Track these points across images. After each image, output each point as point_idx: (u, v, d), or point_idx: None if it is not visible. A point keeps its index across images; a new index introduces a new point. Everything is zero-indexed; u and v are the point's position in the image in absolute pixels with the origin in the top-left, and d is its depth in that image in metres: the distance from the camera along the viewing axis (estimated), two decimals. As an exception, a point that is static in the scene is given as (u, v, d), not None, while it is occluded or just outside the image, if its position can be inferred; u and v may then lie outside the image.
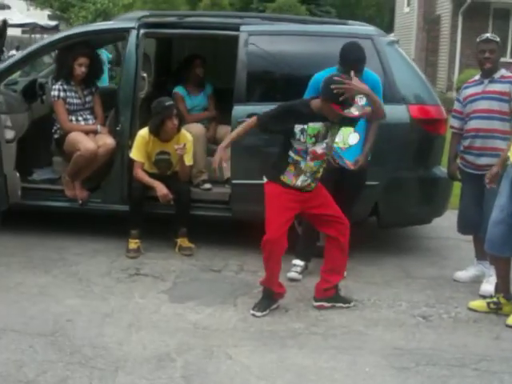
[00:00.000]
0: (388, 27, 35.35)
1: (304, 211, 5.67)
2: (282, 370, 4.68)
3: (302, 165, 5.43)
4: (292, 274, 6.40)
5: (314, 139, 5.37)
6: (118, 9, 26.65)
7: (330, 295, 5.82)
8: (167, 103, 6.81)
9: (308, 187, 5.55)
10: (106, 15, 25.57)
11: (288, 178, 5.49)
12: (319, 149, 5.40)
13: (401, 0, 31.95)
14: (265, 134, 5.88)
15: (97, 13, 26.65)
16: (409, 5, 30.07)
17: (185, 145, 6.81)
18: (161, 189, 6.80)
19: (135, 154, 6.92)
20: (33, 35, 28.72)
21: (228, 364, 4.74)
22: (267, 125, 5.51)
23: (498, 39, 6.25)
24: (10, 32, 30.71)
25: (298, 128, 5.35)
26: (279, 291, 5.76)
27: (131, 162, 7.03)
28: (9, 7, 36.08)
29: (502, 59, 19.46)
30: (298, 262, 6.49)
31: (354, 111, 5.32)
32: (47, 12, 38.28)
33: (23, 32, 30.41)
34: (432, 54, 24.89)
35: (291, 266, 6.46)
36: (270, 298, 5.72)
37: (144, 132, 6.91)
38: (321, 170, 5.55)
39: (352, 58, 6.09)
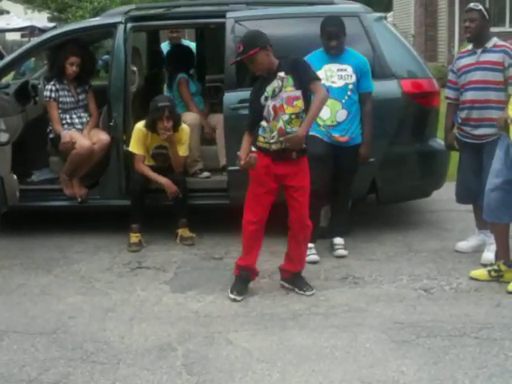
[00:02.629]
0: (387, 5, 35.26)
1: (282, 184, 5.63)
2: (283, 352, 4.70)
3: (267, 129, 5.46)
4: (311, 257, 6.38)
5: (271, 95, 5.42)
6: (115, 6, 26.56)
7: (286, 277, 5.82)
8: (160, 104, 6.73)
9: (280, 145, 5.47)
10: (104, 13, 25.49)
11: (259, 140, 5.53)
12: (277, 102, 5.39)
13: (398, -24, 31.77)
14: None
15: (94, 11, 26.54)
16: (406, -20, 29.91)
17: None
18: (169, 186, 6.82)
19: (134, 147, 6.93)
20: (32, 38, 28.73)
21: (228, 349, 4.76)
22: (254, 122, 5.58)
23: (479, 7, 6.18)
24: (10, 36, 30.95)
25: (263, 99, 5.44)
26: (256, 271, 5.81)
27: (128, 156, 7.06)
28: (8, 12, 36.17)
29: (501, 29, 19.31)
30: (309, 245, 6.47)
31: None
32: (46, 14, 38.26)
33: (22, 36, 30.47)
34: (431, 29, 24.78)
35: None
36: (246, 280, 5.75)
37: (142, 124, 6.92)
38: (291, 127, 5.42)
39: (328, 30, 6.26)
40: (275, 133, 5.43)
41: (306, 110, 5.42)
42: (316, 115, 5.51)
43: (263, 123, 5.48)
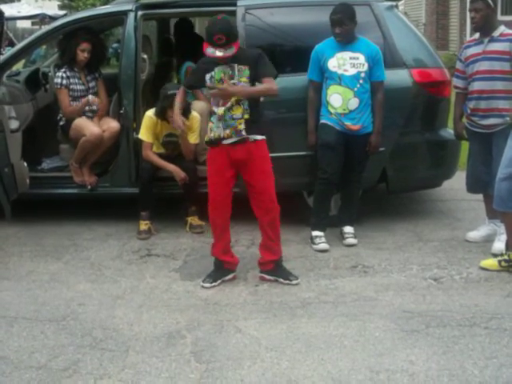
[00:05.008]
0: (399, -7, 35.09)
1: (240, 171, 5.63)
2: (291, 340, 4.70)
3: (216, 112, 5.47)
4: (321, 246, 6.41)
5: (221, 83, 5.40)
6: (125, -7, 26.52)
7: (269, 268, 5.76)
8: (170, 92, 6.68)
9: (225, 136, 5.47)
10: (114, 1, 25.51)
11: (207, 136, 5.62)
12: None
13: (409, -36, 31.62)
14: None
15: (105, -1, 26.54)
16: (417, -32, 29.76)
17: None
18: (179, 173, 6.81)
19: (143, 134, 6.92)
20: (43, 26, 28.76)
21: (237, 337, 4.76)
22: (191, 82, 5.81)
23: None
24: (21, 24, 31.00)
25: (207, 77, 5.47)
26: (229, 260, 5.79)
27: (138, 144, 7.05)
28: (19, 0, 36.21)
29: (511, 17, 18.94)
30: (319, 233, 6.50)
31: (218, 53, 5.31)
32: (56, 2, 38.33)
33: (33, 24, 30.49)
34: (442, 17, 24.64)
35: (313, 239, 6.48)
36: (220, 269, 5.75)
37: (151, 112, 6.92)
38: (231, 113, 5.44)
39: (331, 17, 6.30)
40: (215, 115, 5.50)
41: (251, 100, 5.49)
42: (254, 92, 5.51)
43: (212, 108, 5.56)
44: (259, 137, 5.53)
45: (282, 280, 5.66)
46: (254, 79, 5.46)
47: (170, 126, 6.83)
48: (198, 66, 5.71)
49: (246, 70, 5.43)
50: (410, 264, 6.05)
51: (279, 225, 5.70)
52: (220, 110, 5.44)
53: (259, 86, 5.48)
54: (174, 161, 6.93)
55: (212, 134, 5.53)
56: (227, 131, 5.45)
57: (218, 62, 5.41)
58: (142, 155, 6.96)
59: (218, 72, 5.44)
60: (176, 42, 8.64)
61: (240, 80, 5.42)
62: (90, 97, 7.34)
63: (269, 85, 5.43)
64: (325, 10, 6.50)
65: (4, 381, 4.27)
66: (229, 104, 5.41)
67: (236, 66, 5.42)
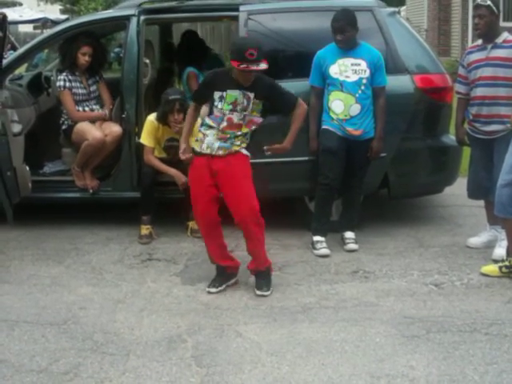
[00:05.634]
0: (400, -1, 35.13)
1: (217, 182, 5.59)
2: (292, 345, 4.71)
3: (214, 131, 5.43)
4: (322, 251, 6.42)
5: (231, 106, 5.38)
6: (127, -2, 26.56)
7: (253, 274, 5.77)
8: (171, 97, 6.71)
9: (218, 151, 5.47)
10: (116, 6, 25.52)
11: (196, 144, 5.56)
12: (236, 118, 5.39)
13: (411, -30, 31.64)
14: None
15: (107, 3, 26.59)
16: (419, -26, 29.77)
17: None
18: (180, 177, 6.81)
19: (145, 138, 6.93)
20: (45, 30, 28.80)
21: (238, 342, 4.77)
22: (200, 97, 5.67)
23: (487, 3, 6.11)
24: (22, 28, 31.02)
25: (217, 95, 5.40)
26: (230, 264, 5.79)
27: (139, 148, 7.06)
28: (20, 4, 36.26)
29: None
30: (320, 238, 6.50)
31: (252, 67, 5.24)
32: (58, 6, 38.36)
33: (35, 28, 30.51)
34: (444, 23, 24.62)
35: (314, 244, 6.49)
36: (222, 275, 5.75)
37: (153, 117, 6.93)
38: (235, 142, 5.47)
39: (332, 24, 6.33)
40: (215, 132, 5.43)
41: (254, 131, 5.52)
42: (300, 127, 5.63)
43: (210, 122, 5.46)
44: (244, 151, 5.54)
45: (255, 289, 5.65)
46: (264, 115, 5.49)
47: (172, 131, 6.85)
48: (209, 78, 5.62)
49: (259, 105, 5.44)
50: (410, 269, 6.05)
51: (258, 233, 5.61)
52: (222, 133, 5.42)
53: (295, 123, 5.59)
54: (175, 165, 6.93)
55: (206, 149, 5.47)
56: (220, 152, 5.45)
57: (235, 83, 5.38)
58: (144, 160, 6.97)
59: (229, 95, 5.37)
60: (179, 48, 8.65)
61: (251, 113, 5.43)
62: (107, 113, 7.40)
63: (300, 116, 5.58)
64: (327, 16, 6.51)
65: (5, 384, 4.29)
66: (239, 133, 5.43)
67: (252, 98, 5.39)
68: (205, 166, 5.50)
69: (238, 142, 5.47)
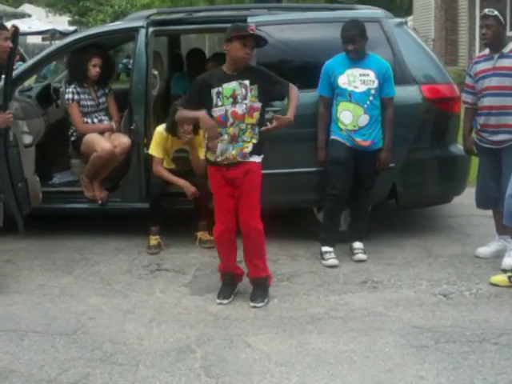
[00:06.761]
0: (407, 9, 35.17)
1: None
2: (301, 355, 4.71)
3: (226, 129, 5.40)
4: (331, 261, 6.42)
5: (231, 99, 5.37)
6: (136, 9, 26.67)
7: (251, 282, 5.77)
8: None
9: (232, 158, 5.45)
10: (124, 17, 25.62)
11: (209, 153, 5.54)
12: (239, 109, 5.38)
13: (418, -20, 31.69)
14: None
15: (115, 15, 26.71)
16: (426, -15, 29.82)
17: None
18: (189, 188, 6.85)
19: (154, 150, 6.96)
20: (53, 41, 28.91)
21: (247, 352, 4.77)
22: (192, 101, 5.56)
23: (494, 13, 6.14)
24: (31, 40, 31.21)
25: (214, 93, 5.39)
26: (240, 273, 5.82)
27: (148, 159, 7.09)
28: (29, 15, 36.43)
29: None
30: (328, 249, 6.50)
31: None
32: (67, 18, 38.56)
33: (43, 39, 30.63)
34: (451, 33, 24.67)
35: (323, 254, 6.49)
36: (231, 283, 5.77)
37: (162, 128, 6.96)
38: (245, 138, 5.44)
39: (343, 34, 6.35)
40: (226, 136, 5.39)
41: (260, 123, 5.46)
42: (297, 104, 5.53)
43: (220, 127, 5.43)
44: (257, 159, 5.52)
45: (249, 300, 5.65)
46: (261, 100, 5.44)
47: (181, 142, 6.88)
48: (201, 80, 5.58)
49: (255, 90, 5.42)
50: (419, 279, 6.05)
51: (261, 245, 5.63)
52: (232, 130, 5.39)
53: (293, 101, 5.50)
54: (184, 176, 6.95)
55: (221, 156, 5.43)
56: (233, 152, 5.43)
57: (228, 76, 5.39)
58: (153, 171, 6.99)
59: (227, 89, 5.38)
60: (188, 65, 8.70)
61: (251, 99, 5.42)
62: (114, 126, 7.46)
63: (295, 97, 5.50)
64: (335, 27, 6.54)
65: (15, 394, 4.30)
66: (243, 126, 5.40)
67: (248, 84, 5.39)
68: (220, 176, 5.52)
69: (248, 138, 5.42)
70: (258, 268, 5.68)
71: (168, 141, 6.96)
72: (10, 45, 5.91)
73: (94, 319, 5.35)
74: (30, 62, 7.71)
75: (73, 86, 7.47)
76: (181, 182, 6.90)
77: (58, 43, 8.37)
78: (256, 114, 5.43)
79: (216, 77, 5.46)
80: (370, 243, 6.77)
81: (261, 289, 5.67)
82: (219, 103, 5.38)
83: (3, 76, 6.22)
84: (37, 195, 7.01)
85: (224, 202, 5.57)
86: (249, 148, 5.44)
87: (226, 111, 5.38)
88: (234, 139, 5.40)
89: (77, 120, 7.41)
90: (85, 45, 7.38)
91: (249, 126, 5.42)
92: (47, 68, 12.99)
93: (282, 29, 7.07)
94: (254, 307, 5.53)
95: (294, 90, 5.54)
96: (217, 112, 5.39)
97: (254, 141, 5.46)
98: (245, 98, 5.39)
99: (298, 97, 5.57)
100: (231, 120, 5.39)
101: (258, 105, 5.44)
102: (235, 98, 5.37)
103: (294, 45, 7.02)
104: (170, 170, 7.03)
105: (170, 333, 5.10)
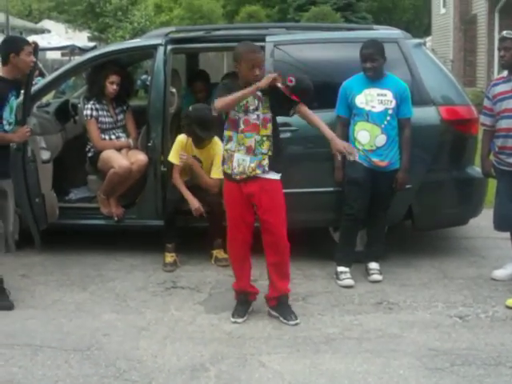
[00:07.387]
0: (426, 29, 35.23)
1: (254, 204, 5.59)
2: (315, 376, 4.69)
3: (234, 139, 5.44)
4: (346, 282, 6.41)
5: (243, 108, 5.42)
6: (155, 26, 26.84)
7: (272, 305, 5.75)
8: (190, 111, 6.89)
9: (250, 171, 5.46)
10: (143, 34, 25.79)
11: (226, 165, 5.55)
12: (251, 118, 5.42)
13: (437, 1, 31.75)
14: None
15: (134, 31, 26.88)
16: (445, 6, 29.88)
17: (188, 156, 6.94)
18: (193, 203, 6.87)
19: (173, 157, 7.01)
20: (72, 57, 29.11)
21: (261, 371, 4.76)
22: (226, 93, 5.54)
23: None
24: (50, 55, 31.42)
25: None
26: (254, 291, 5.83)
27: (165, 177, 7.11)
28: (49, 31, 36.74)
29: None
30: (344, 269, 6.50)
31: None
32: (86, 34, 38.83)
33: (63, 55, 30.88)
34: (470, 54, 24.68)
35: (338, 274, 6.48)
36: (246, 302, 5.77)
37: (183, 136, 7.02)
38: (263, 150, 5.45)
39: (362, 52, 6.37)
40: (242, 147, 5.43)
41: (274, 134, 5.50)
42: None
43: (229, 133, 5.49)
44: (275, 176, 5.53)
45: (281, 319, 5.63)
46: (272, 111, 5.47)
47: (196, 150, 6.94)
48: (222, 90, 5.55)
49: (267, 102, 5.46)
50: (435, 301, 6.02)
51: (287, 263, 5.66)
52: (248, 142, 5.42)
53: (313, 116, 5.57)
54: (199, 193, 6.95)
55: (238, 168, 5.45)
56: (252, 165, 5.44)
57: (242, 88, 5.39)
58: (172, 179, 7.02)
59: None
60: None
61: (263, 112, 5.45)
62: (132, 143, 7.51)
63: (309, 113, 5.56)
64: (353, 47, 6.54)
65: (28, 410, 4.31)
66: (258, 138, 5.43)
67: (261, 95, 5.43)
68: (236, 190, 5.53)
69: (266, 150, 5.44)
70: (285, 286, 5.69)
71: (185, 148, 6.99)
72: (34, 59, 5.96)
73: (108, 335, 5.35)
74: (49, 77, 7.76)
75: (91, 102, 7.53)
76: (189, 196, 6.92)
77: (77, 59, 8.43)
78: (269, 125, 5.47)
79: (232, 88, 5.47)
80: (385, 264, 6.75)
81: (288, 305, 5.71)
82: (235, 108, 5.44)
83: (22, 91, 6.27)
84: (53, 211, 7.05)
85: (239, 217, 5.57)
86: (266, 160, 5.46)
87: (239, 118, 5.44)
88: (250, 151, 5.43)
89: (95, 136, 7.45)
90: (104, 61, 7.44)
91: (264, 138, 5.45)
92: (66, 83, 13.08)
93: (301, 48, 7.09)
94: (296, 324, 5.54)
95: (302, 105, 5.55)
96: (232, 115, 5.47)
97: (270, 153, 5.48)
98: (256, 109, 5.44)
99: (309, 111, 5.58)
100: (242, 127, 5.43)
101: (269, 116, 5.48)
102: (247, 108, 5.43)
103: (312, 64, 7.01)
104: (186, 185, 7.03)
105: (184, 350, 5.10)
